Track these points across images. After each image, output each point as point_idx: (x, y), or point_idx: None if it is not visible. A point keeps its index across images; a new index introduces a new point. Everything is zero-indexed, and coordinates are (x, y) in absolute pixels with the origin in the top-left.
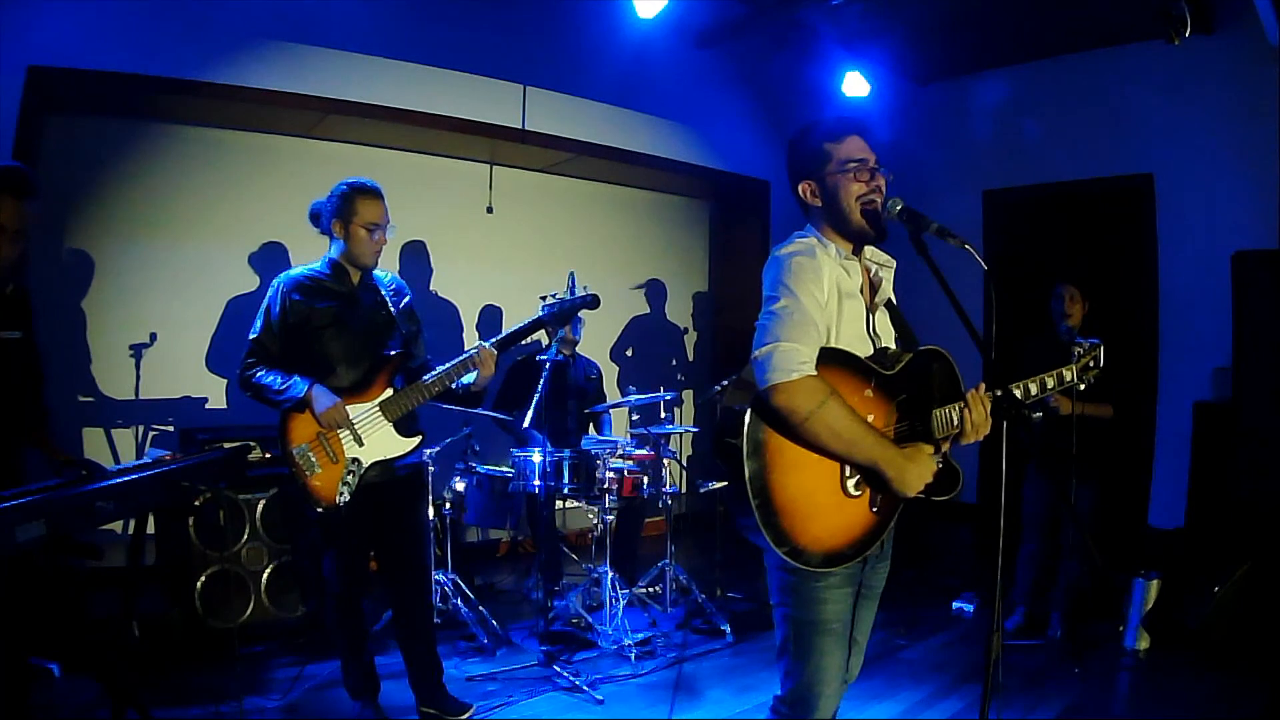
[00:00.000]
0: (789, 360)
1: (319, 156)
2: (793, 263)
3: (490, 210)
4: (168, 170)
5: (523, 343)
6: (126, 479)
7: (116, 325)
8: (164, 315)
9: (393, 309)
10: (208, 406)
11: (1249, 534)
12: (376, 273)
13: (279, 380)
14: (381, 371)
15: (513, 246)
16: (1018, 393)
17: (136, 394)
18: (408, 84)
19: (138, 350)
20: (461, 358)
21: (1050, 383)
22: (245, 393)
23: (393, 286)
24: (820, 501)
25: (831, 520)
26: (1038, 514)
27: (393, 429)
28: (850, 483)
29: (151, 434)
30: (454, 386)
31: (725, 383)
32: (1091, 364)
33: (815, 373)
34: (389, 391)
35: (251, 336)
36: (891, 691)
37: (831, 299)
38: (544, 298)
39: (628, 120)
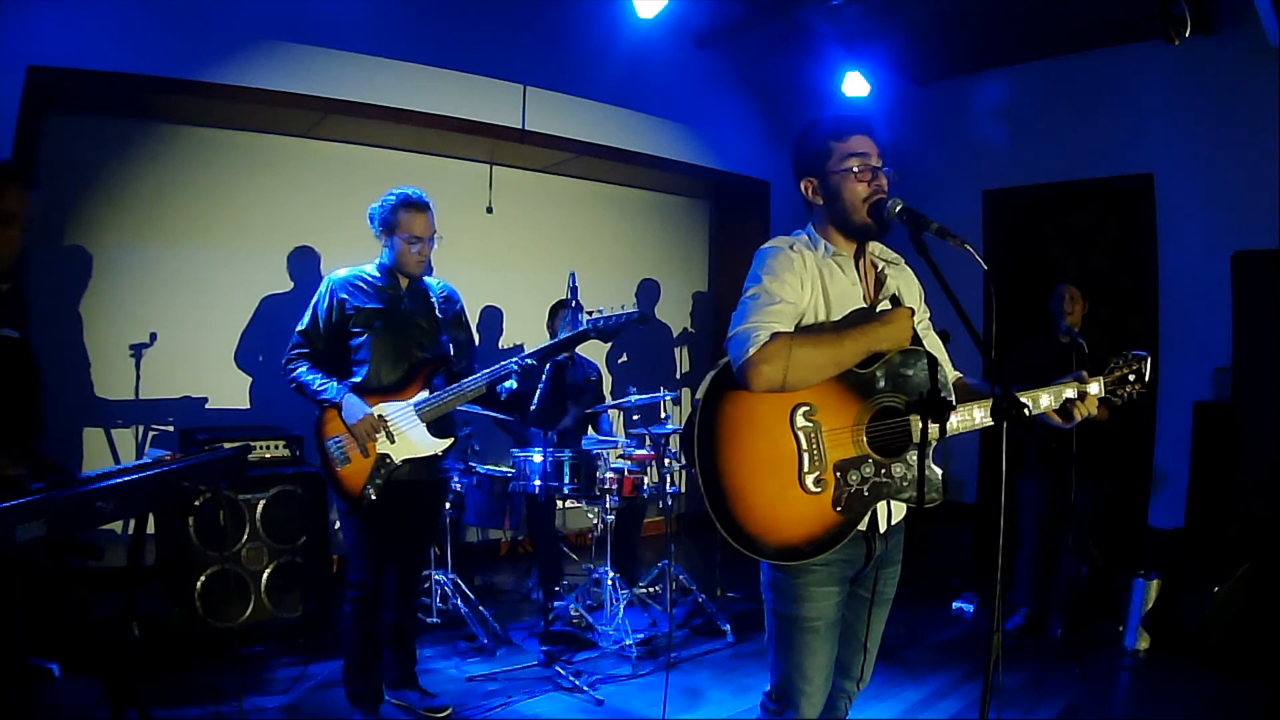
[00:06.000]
0: (748, 338)
1: (319, 156)
2: (765, 256)
3: (490, 210)
4: (168, 170)
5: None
6: (126, 479)
7: (116, 325)
8: (164, 315)
9: (439, 315)
10: (208, 406)
11: (1249, 534)
12: (429, 279)
13: (318, 381)
14: (420, 373)
15: (512, 246)
16: (1027, 401)
17: (136, 394)
18: (408, 84)
19: (137, 350)
20: (500, 366)
21: (1068, 393)
22: (288, 383)
23: (443, 294)
24: (773, 493)
25: (785, 513)
26: (1034, 513)
27: (425, 429)
28: (809, 479)
29: (151, 434)
30: (499, 392)
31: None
32: (1133, 378)
33: (771, 336)
34: (424, 393)
35: (299, 329)
36: (891, 691)
37: (816, 294)
38: (590, 313)
39: (628, 120)
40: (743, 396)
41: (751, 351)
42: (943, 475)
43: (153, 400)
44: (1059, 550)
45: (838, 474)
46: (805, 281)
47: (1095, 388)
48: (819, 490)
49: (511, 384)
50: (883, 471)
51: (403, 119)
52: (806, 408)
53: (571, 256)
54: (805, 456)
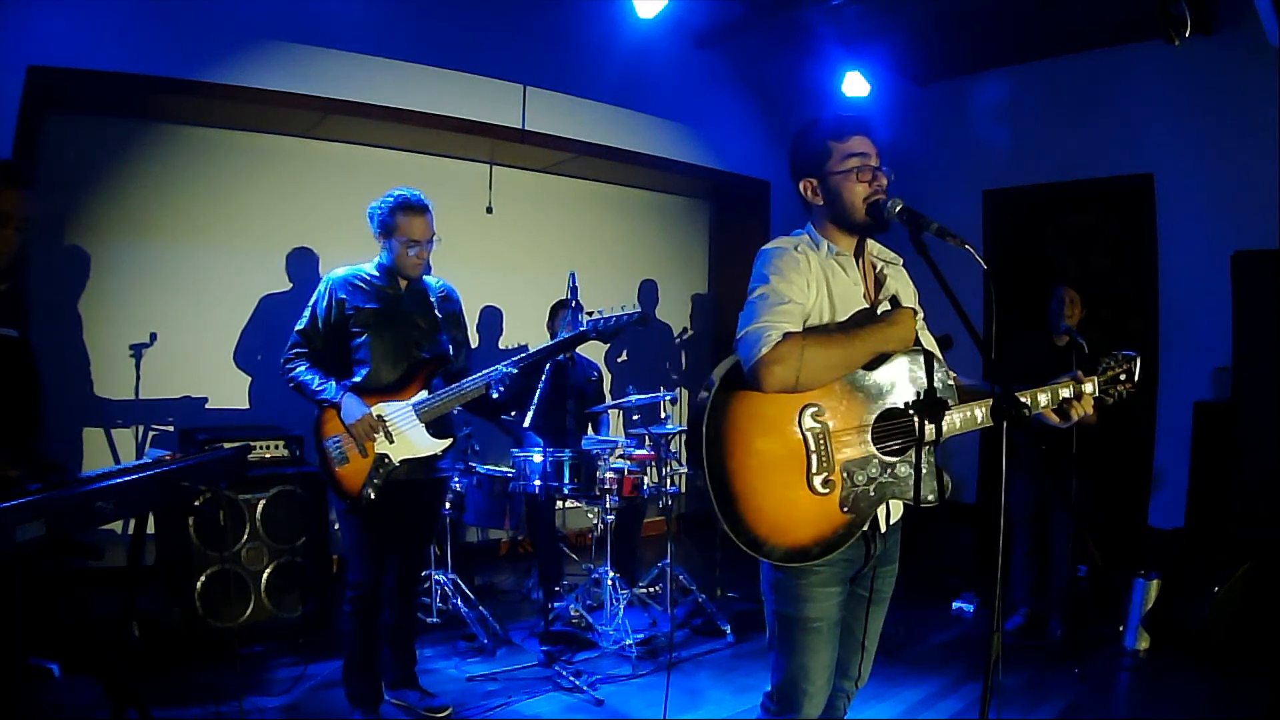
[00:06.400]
0: (760, 339)
1: (319, 156)
2: (771, 256)
3: (490, 210)
4: (168, 170)
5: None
6: (126, 479)
7: (116, 325)
8: (164, 315)
9: (437, 314)
10: (208, 406)
11: (1249, 534)
12: (428, 279)
13: (316, 381)
14: (419, 373)
15: (512, 247)
16: (1026, 400)
17: (136, 394)
18: (408, 84)
19: (137, 350)
20: (487, 373)
21: (1065, 392)
22: (286, 382)
23: (442, 293)
24: (781, 495)
25: (793, 514)
26: (1024, 513)
27: (424, 429)
28: (817, 480)
29: (151, 434)
30: (493, 395)
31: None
32: (1124, 377)
33: (782, 337)
34: (424, 393)
35: (297, 328)
36: (891, 691)
37: (821, 294)
38: (590, 313)
39: (628, 120)
40: (750, 397)
41: (764, 352)
42: (937, 473)
43: (153, 400)
44: (1051, 549)
45: (845, 475)
46: (811, 282)
47: (1090, 387)
48: (827, 491)
49: (493, 394)
50: (888, 471)
51: (403, 119)
52: (814, 408)
53: (571, 256)
54: (814, 458)
